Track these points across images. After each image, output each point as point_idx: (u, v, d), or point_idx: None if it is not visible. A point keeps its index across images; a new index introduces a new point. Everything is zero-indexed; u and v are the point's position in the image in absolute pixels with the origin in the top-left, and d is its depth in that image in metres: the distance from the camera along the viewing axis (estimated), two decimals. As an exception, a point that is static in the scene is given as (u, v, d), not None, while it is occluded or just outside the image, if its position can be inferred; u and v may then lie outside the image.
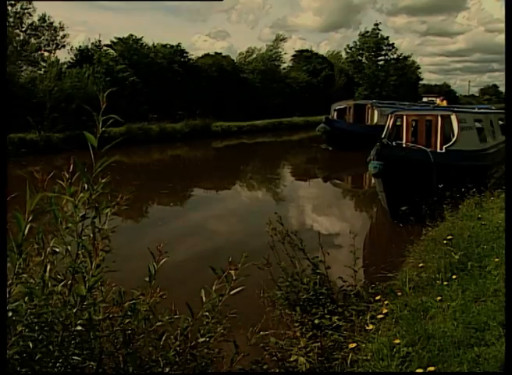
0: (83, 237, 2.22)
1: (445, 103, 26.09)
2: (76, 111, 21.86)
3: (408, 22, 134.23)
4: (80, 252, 2.23)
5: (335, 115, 25.59)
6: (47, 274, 2.21)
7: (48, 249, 2.25)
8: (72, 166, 2.21)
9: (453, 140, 10.86)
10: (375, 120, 24.12)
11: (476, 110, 14.81)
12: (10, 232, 2.08)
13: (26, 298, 2.12)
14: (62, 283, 2.21)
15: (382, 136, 11.47)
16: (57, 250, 2.26)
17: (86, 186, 2.19)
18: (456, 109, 12.60)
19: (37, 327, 2.10)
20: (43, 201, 2.13)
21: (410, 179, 9.09)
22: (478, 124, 12.27)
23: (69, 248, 2.25)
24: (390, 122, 12.03)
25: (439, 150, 10.93)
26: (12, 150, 17.65)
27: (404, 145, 11.28)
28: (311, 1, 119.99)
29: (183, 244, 9.24)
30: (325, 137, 23.44)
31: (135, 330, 2.38)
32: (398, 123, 12.19)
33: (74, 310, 2.17)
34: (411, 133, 12.11)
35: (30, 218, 2.05)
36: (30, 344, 2.06)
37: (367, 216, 12.52)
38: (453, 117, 11.18)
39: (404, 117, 12.14)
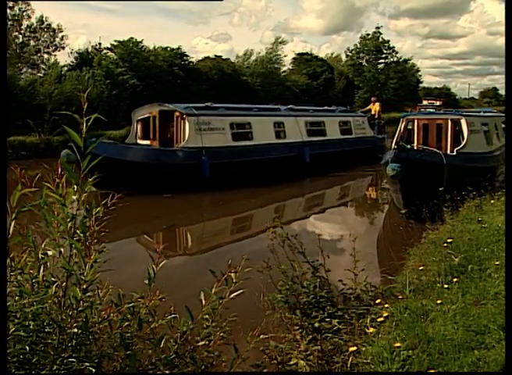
0: (75, 238, 2.22)
1: (377, 106, 23.87)
2: (76, 114, 21.87)
3: (410, 25, 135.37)
4: (73, 253, 2.22)
5: (138, 128, 15.74)
6: (40, 275, 2.20)
7: (41, 251, 2.25)
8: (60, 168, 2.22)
9: (464, 143, 11.18)
10: (186, 137, 14.22)
11: (482, 114, 15.06)
12: None
13: (17, 298, 2.11)
14: (56, 284, 2.20)
15: (395, 139, 11.69)
16: (49, 253, 2.26)
17: (75, 187, 2.20)
18: (465, 113, 12.97)
19: (32, 328, 2.09)
20: (30, 201, 2.13)
21: (425, 180, 9.27)
22: (484, 127, 12.69)
23: (61, 249, 2.24)
24: (402, 125, 12.32)
25: (449, 153, 11.22)
26: (12, 153, 17.66)
27: (416, 148, 11.53)
28: (313, 4, 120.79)
29: (184, 246, 9.24)
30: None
31: (134, 332, 2.37)
32: (409, 127, 12.47)
33: (70, 312, 2.16)
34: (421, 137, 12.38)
35: (14, 215, 2.05)
36: (27, 347, 2.05)
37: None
38: (463, 121, 11.54)
39: (415, 121, 12.46)
